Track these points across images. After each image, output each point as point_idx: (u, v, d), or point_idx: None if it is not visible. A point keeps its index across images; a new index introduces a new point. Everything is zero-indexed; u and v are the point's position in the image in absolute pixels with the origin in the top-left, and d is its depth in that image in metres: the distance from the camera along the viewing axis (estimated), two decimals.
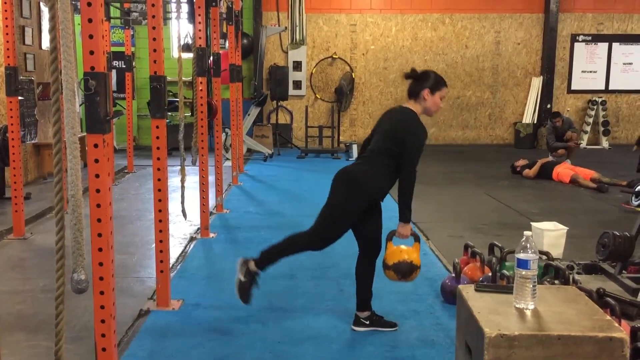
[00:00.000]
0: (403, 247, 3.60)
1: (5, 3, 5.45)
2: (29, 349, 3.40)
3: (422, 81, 3.56)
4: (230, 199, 7.57)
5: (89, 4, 2.37)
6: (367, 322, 3.66)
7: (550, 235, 4.86)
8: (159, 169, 3.91)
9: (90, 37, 2.38)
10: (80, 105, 8.10)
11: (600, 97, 13.38)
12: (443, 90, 3.57)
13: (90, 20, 2.37)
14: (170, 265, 4.32)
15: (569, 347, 2.16)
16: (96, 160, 2.48)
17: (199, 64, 5.38)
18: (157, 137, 3.89)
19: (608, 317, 2.35)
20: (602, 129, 13.26)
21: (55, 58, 2.22)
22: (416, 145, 3.46)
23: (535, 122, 13.22)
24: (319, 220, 3.62)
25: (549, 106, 13.20)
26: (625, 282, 3.85)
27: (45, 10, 8.38)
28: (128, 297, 4.15)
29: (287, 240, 3.67)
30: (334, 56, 13.16)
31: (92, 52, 2.39)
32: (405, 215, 3.51)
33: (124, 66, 10.59)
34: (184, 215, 4.60)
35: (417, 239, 3.63)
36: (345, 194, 3.53)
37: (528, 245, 2.34)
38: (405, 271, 3.54)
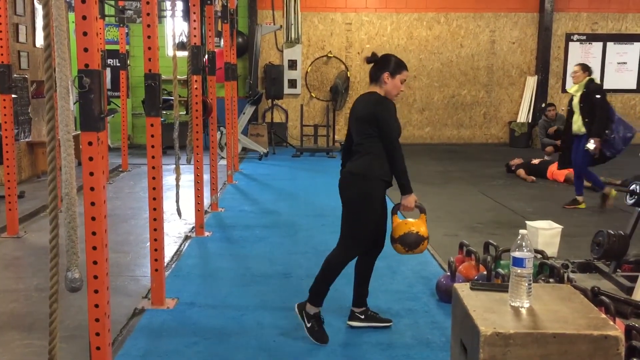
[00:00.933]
0: (409, 220, 3.60)
1: None
2: (22, 348, 3.39)
3: (382, 65, 3.56)
4: (225, 197, 7.56)
5: (83, 1, 2.35)
6: (362, 317, 3.67)
7: (544, 234, 4.87)
8: (153, 168, 3.90)
9: (85, 34, 2.36)
10: (74, 103, 8.07)
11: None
12: (403, 73, 3.56)
13: (84, 18, 2.36)
14: (165, 264, 4.31)
15: (564, 346, 2.17)
16: (90, 158, 2.46)
17: (194, 62, 5.36)
18: (152, 136, 3.88)
19: (603, 316, 2.36)
20: None
21: (49, 55, 2.20)
22: (387, 117, 3.47)
23: (530, 121, 13.25)
24: (345, 229, 3.57)
25: (543, 105, 13.22)
26: (620, 280, 3.87)
27: (39, 8, 8.34)
28: (122, 295, 4.14)
29: (325, 265, 3.59)
30: (329, 55, 13.15)
31: (86, 50, 2.37)
32: (404, 187, 3.50)
33: (118, 64, 10.55)
34: (179, 213, 4.59)
35: (422, 210, 3.62)
36: (358, 190, 3.51)
37: (523, 243, 2.35)
38: (411, 242, 3.51)
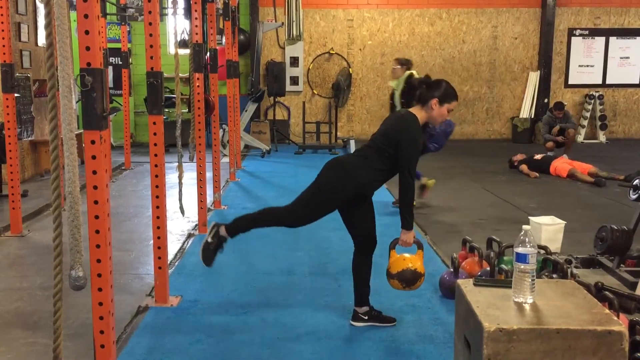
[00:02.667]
0: (406, 255, 3.58)
1: (1, 0, 5.43)
2: (27, 347, 3.40)
3: (433, 89, 3.54)
4: (227, 195, 7.56)
5: (85, 0, 2.35)
6: (366, 318, 3.66)
7: (548, 229, 4.87)
8: (156, 166, 3.90)
9: (87, 32, 2.37)
10: (77, 102, 8.07)
11: (598, 92, 13.38)
12: (452, 103, 3.55)
13: (86, 16, 2.36)
14: (169, 262, 4.31)
15: (568, 341, 2.16)
16: (93, 157, 2.47)
17: (196, 60, 5.36)
18: (155, 134, 3.88)
19: (607, 311, 2.35)
20: (599, 123, 13.27)
21: (51, 54, 2.20)
22: (411, 149, 3.43)
23: (532, 116, 13.22)
24: (301, 199, 3.59)
25: (546, 100, 13.21)
26: (624, 275, 3.86)
27: (41, 7, 8.34)
28: (126, 294, 4.15)
29: (263, 212, 3.68)
30: (331, 52, 13.14)
31: (88, 48, 2.37)
32: (406, 221, 3.49)
33: (120, 63, 10.55)
34: (182, 211, 4.59)
35: (420, 246, 3.60)
36: (333, 179, 3.52)
37: (527, 239, 2.34)
38: (409, 279, 3.51)
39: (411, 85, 6.49)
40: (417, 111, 3.56)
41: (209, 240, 3.62)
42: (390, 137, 3.47)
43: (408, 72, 6.57)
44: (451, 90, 3.57)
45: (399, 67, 6.66)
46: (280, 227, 3.71)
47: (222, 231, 3.62)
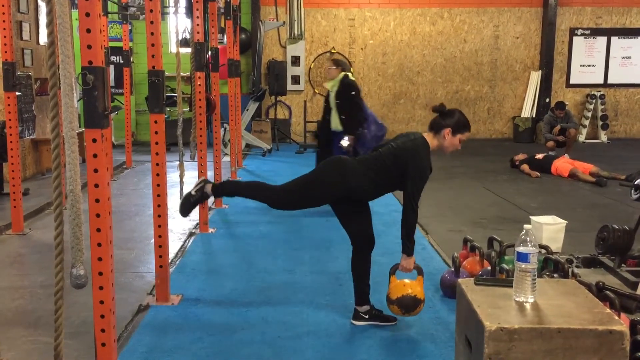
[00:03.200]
0: (406, 280, 3.58)
1: None
2: (28, 345, 3.40)
3: (446, 118, 3.53)
4: None
5: None
6: (367, 317, 3.66)
7: (549, 229, 4.86)
8: (157, 164, 3.90)
9: (88, 31, 2.36)
10: (78, 101, 8.08)
11: (599, 91, 13.37)
12: (465, 134, 3.55)
13: (87, 15, 2.36)
14: (170, 261, 4.32)
15: (569, 340, 2.16)
16: (95, 155, 2.46)
17: (197, 58, 5.36)
18: (156, 132, 3.88)
19: (608, 310, 2.35)
20: (600, 123, 13.25)
21: (52, 53, 2.20)
22: (418, 179, 3.44)
23: (534, 116, 13.21)
24: (292, 184, 3.62)
25: (547, 100, 13.19)
26: (625, 275, 3.86)
27: (42, 5, 8.34)
28: (127, 292, 4.15)
29: (253, 184, 3.73)
30: (333, 51, 13.13)
31: (89, 47, 2.37)
32: (407, 248, 3.50)
33: (121, 61, 10.55)
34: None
35: (420, 272, 3.60)
36: (326, 173, 3.55)
37: (528, 238, 2.34)
38: (408, 305, 3.51)
39: (346, 86, 6.37)
40: (429, 138, 3.56)
41: (193, 192, 3.66)
42: (398, 160, 3.47)
43: (343, 74, 6.39)
44: (464, 121, 3.55)
45: (334, 67, 6.45)
46: (262, 203, 3.71)
47: (208, 189, 3.66)
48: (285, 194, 3.62)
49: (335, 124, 6.43)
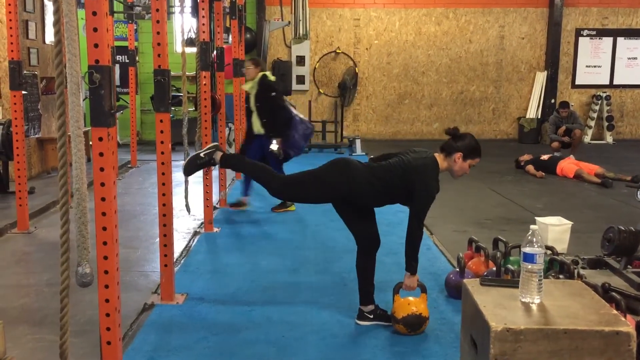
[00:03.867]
0: (411, 298, 3.57)
1: None
2: (33, 343, 3.41)
3: (458, 142, 3.52)
4: (233, 193, 7.56)
5: None
6: (371, 316, 3.65)
7: (554, 230, 4.85)
8: (163, 163, 3.91)
9: (95, 30, 2.37)
10: (83, 100, 8.10)
11: (605, 92, 13.32)
12: (476, 160, 3.55)
13: (94, 13, 2.36)
14: (174, 260, 4.32)
15: (575, 341, 2.16)
16: (101, 154, 2.47)
17: (203, 58, 5.37)
18: (161, 132, 3.89)
19: (614, 312, 2.34)
20: (606, 124, 13.21)
21: (59, 51, 2.21)
22: (425, 198, 3.46)
23: (539, 117, 13.18)
24: (296, 176, 3.66)
25: (553, 101, 13.16)
26: (631, 276, 3.84)
27: (48, 5, 8.36)
28: (132, 291, 4.16)
29: (260, 167, 3.76)
30: (338, 51, 13.13)
31: (96, 45, 2.38)
32: (411, 266, 3.51)
33: (127, 61, 10.58)
34: (188, 209, 4.60)
35: (423, 289, 3.60)
36: (330, 172, 3.56)
37: (534, 239, 2.33)
38: (414, 323, 3.51)
39: (266, 87, 6.10)
40: (440, 159, 3.56)
41: (202, 155, 3.69)
42: (407, 176, 3.47)
43: (261, 73, 6.18)
44: (476, 147, 3.55)
45: (252, 67, 6.21)
46: (263, 185, 3.72)
47: (217, 157, 3.68)
48: (286, 185, 3.68)
49: (257, 127, 6.18)
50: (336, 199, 3.58)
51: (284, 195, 3.78)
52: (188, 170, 3.74)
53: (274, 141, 6.00)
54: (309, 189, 3.61)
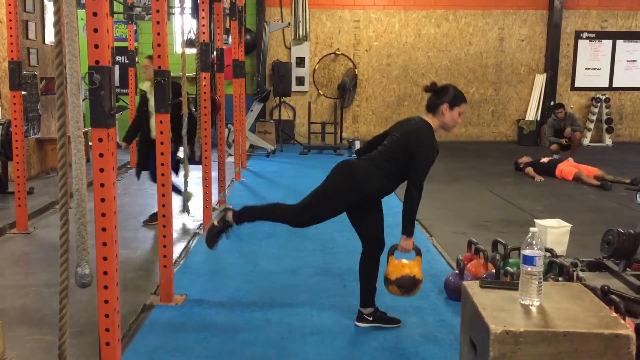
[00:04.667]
0: (405, 261, 3.57)
1: None
2: (32, 343, 3.40)
3: (441, 95, 3.53)
4: (233, 194, 7.56)
5: None
6: (371, 319, 3.65)
7: (553, 232, 4.85)
8: (162, 164, 3.90)
9: (95, 30, 2.37)
10: (83, 100, 8.09)
11: (604, 95, 13.34)
12: (462, 106, 3.54)
13: (95, 14, 2.36)
14: (174, 261, 4.32)
15: (575, 344, 2.16)
16: (101, 155, 2.47)
17: (203, 59, 5.37)
18: (161, 132, 3.89)
19: (614, 314, 2.34)
20: (605, 126, 13.22)
21: (60, 52, 2.21)
22: (425, 161, 3.43)
23: (538, 119, 13.19)
24: (307, 200, 3.62)
25: (552, 103, 13.16)
26: (630, 279, 3.84)
27: (48, 5, 8.36)
28: (131, 292, 4.15)
29: (271, 207, 3.74)
30: (337, 52, 13.13)
31: (96, 46, 2.37)
32: (408, 229, 3.49)
33: (126, 61, 10.58)
34: (187, 210, 4.60)
35: (418, 252, 3.60)
36: (339, 182, 3.53)
37: (534, 241, 2.33)
38: (408, 286, 3.51)
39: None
40: (429, 119, 3.55)
41: (215, 223, 3.68)
42: (404, 147, 3.46)
43: None
44: (459, 93, 3.56)
45: (152, 66, 5.68)
46: (282, 223, 3.73)
47: (229, 216, 3.66)
48: (303, 211, 3.61)
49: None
50: (353, 204, 3.55)
51: (306, 222, 3.69)
52: (210, 242, 3.69)
53: (181, 148, 5.26)
54: (326, 206, 3.56)
